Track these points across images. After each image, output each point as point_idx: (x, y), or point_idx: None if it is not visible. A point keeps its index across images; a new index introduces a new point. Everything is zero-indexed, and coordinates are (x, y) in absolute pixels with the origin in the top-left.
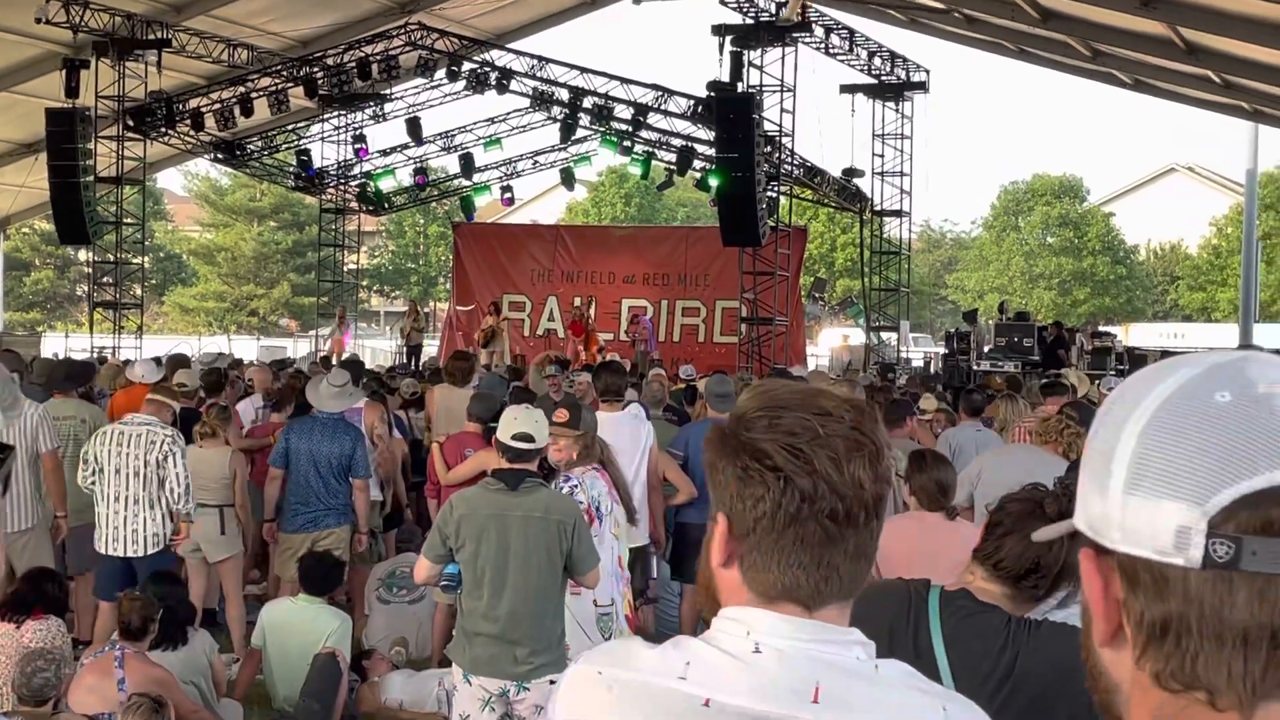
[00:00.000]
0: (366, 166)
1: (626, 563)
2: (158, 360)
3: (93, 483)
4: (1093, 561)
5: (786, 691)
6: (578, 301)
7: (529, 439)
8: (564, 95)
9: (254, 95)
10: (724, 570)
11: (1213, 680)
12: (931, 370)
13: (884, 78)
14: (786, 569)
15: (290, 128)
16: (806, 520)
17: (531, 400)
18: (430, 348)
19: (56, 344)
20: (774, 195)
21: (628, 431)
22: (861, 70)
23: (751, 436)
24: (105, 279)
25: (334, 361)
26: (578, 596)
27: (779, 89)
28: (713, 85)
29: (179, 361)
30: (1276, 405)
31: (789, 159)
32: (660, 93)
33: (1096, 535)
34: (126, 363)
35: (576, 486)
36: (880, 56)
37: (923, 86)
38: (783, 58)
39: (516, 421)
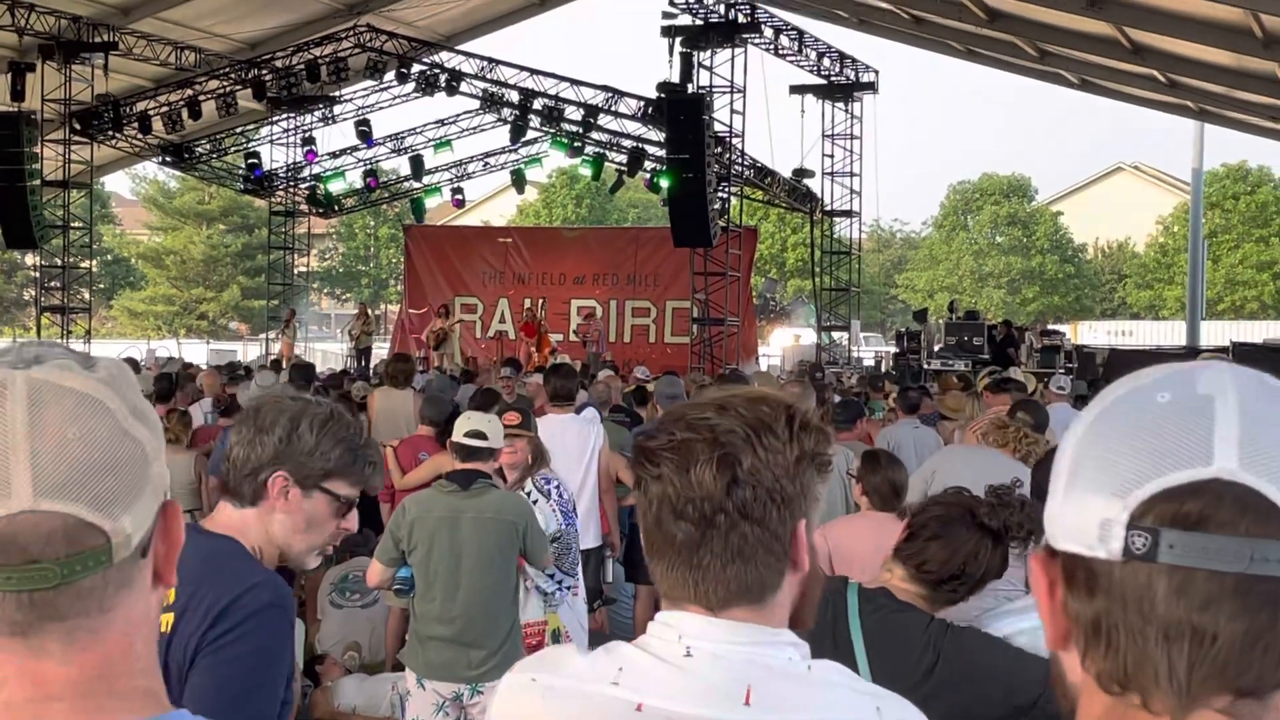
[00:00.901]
0: (316, 169)
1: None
2: None
3: None
4: (1041, 563)
5: (718, 694)
6: (528, 303)
7: (481, 436)
8: (514, 97)
9: (202, 98)
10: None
11: (1143, 681)
12: (883, 369)
13: (833, 78)
14: (666, 571)
15: (239, 130)
16: (667, 523)
17: (496, 401)
18: (381, 350)
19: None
20: (725, 196)
21: (575, 433)
22: (811, 71)
23: (636, 446)
24: (53, 283)
25: (284, 365)
26: (577, 595)
27: (729, 90)
28: (663, 86)
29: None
30: (1212, 406)
31: (739, 160)
32: (610, 94)
33: (1048, 536)
34: None
35: (558, 485)
36: (829, 57)
37: (872, 87)
38: (732, 59)
39: (470, 421)
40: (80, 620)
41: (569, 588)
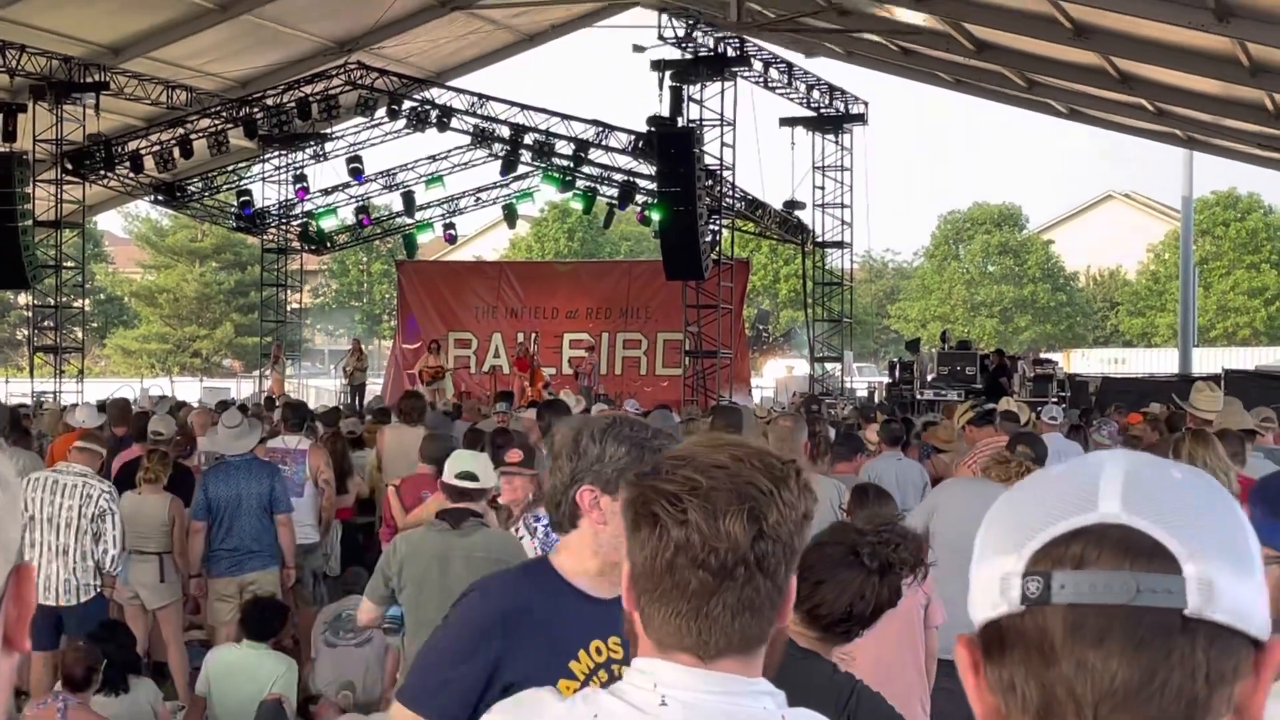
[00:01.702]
0: (308, 206)
1: None
2: (100, 405)
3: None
4: (965, 646)
5: None
6: (521, 338)
7: (472, 478)
8: (505, 132)
9: (193, 136)
10: (633, 614)
11: None
12: (876, 400)
13: (823, 110)
14: (669, 618)
15: (230, 168)
16: (682, 569)
17: (480, 439)
18: (374, 386)
19: None
20: (716, 228)
21: None
22: (800, 103)
23: (641, 486)
24: (46, 323)
25: (277, 402)
26: None
27: (719, 123)
28: (653, 120)
29: (121, 406)
30: (1100, 468)
31: (730, 192)
32: (601, 128)
33: (972, 622)
34: (64, 409)
35: (548, 525)
36: (819, 89)
37: (861, 118)
38: (722, 92)
39: (460, 461)
40: None
41: None
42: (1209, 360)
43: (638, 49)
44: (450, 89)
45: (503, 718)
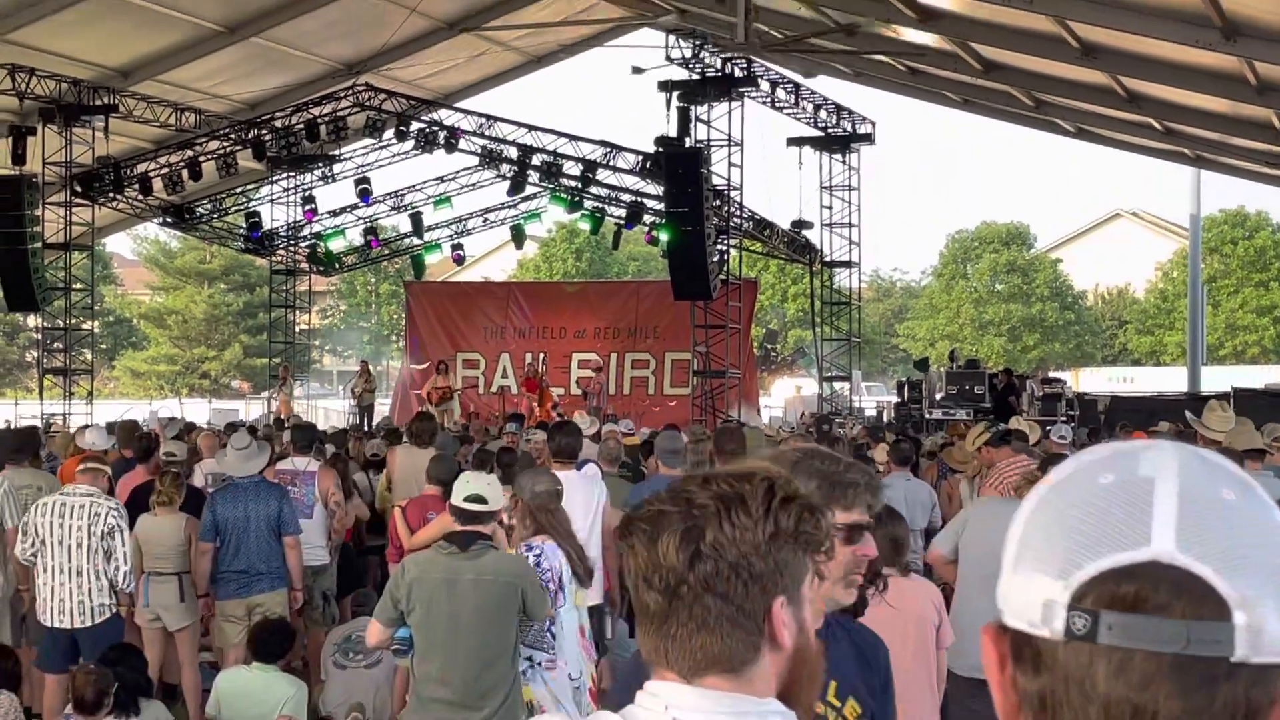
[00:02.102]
0: (316, 227)
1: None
2: (109, 427)
3: (34, 554)
4: (991, 637)
5: None
6: (529, 358)
7: (480, 500)
8: (513, 153)
9: (202, 158)
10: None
11: None
12: (884, 419)
13: (830, 130)
14: (645, 635)
15: (239, 190)
16: (642, 593)
17: (489, 460)
18: (383, 407)
19: (6, 411)
20: (724, 248)
21: (580, 491)
22: (808, 123)
23: (626, 518)
24: (55, 345)
25: (287, 424)
26: (553, 670)
27: (726, 143)
28: (661, 141)
29: (130, 428)
30: (1153, 488)
31: (738, 212)
32: (608, 149)
33: (999, 612)
34: (76, 431)
35: (540, 555)
36: (826, 109)
37: (869, 138)
38: (729, 112)
39: (469, 484)
40: None
41: (539, 663)
42: (1218, 379)
43: (637, 71)
44: (458, 110)
45: None
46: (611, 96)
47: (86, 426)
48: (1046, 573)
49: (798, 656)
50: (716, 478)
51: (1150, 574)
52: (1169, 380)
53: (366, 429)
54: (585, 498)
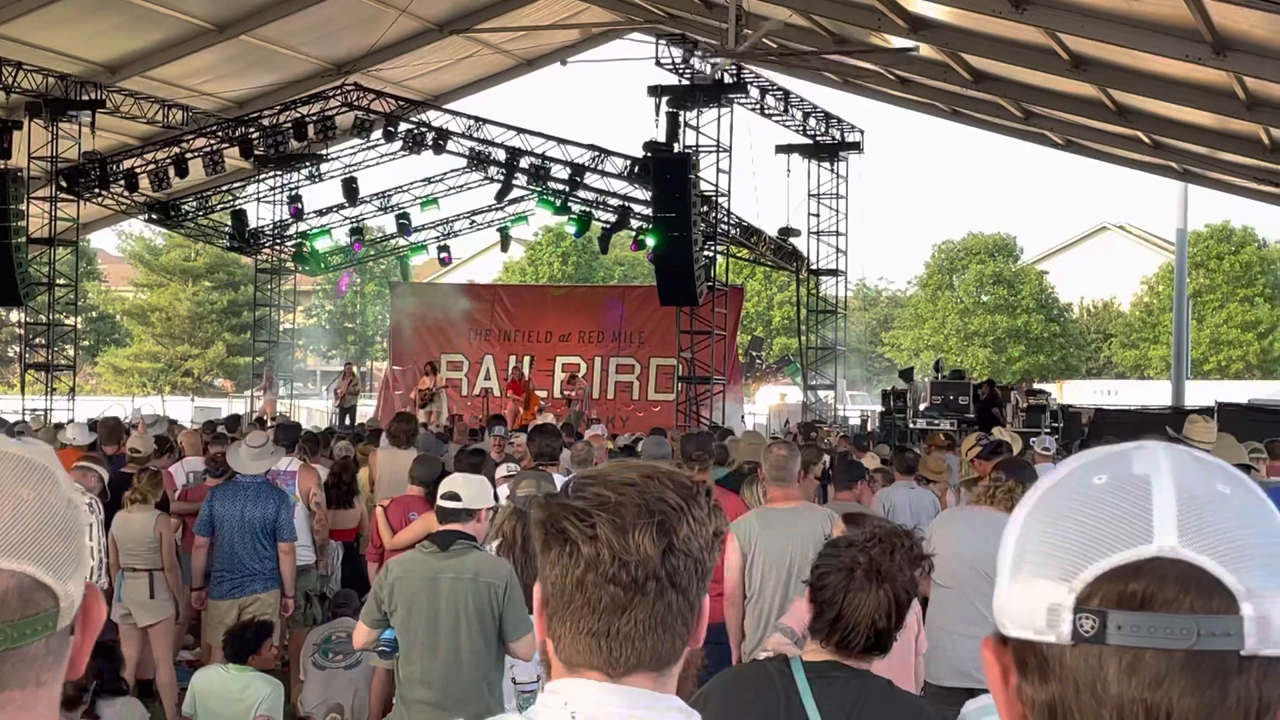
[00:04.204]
0: (303, 226)
1: None
2: (92, 423)
3: None
4: (993, 650)
5: None
6: (514, 361)
7: (455, 498)
8: (500, 155)
9: (189, 156)
10: (545, 640)
11: None
12: (868, 428)
13: (819, 138)
14: (579, 635)
15: (225, 188)
16: (592, 586)
17: (482, 461)
18: (366, 408)
19: None
20: (711, 255)
21: None
22: (797, 131)
23: (550, 505)
24: (38, 340)
25: (270, 423)
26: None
27: (715, 149)
28: (649, 146)
29: (112, 424)
30: (1149, 484)
31: (725, 219)
32: (597, 153)
33: (998, 624)
34: (58, 426)
35: None
36: (815, 117)
37: (857, 147)
38: (718, 118)
39: (448, 484)
40: (14, 693)
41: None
42: (1202, 393)
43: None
44: (447, 112)
45: None
46: (601, 101)
47: (70, 422)
48: (1048, 577)
49: (695, 655)
50: (655, 474)
51: (1156, 570)
52: (1153, 394)
53: (350, 430)
54: None
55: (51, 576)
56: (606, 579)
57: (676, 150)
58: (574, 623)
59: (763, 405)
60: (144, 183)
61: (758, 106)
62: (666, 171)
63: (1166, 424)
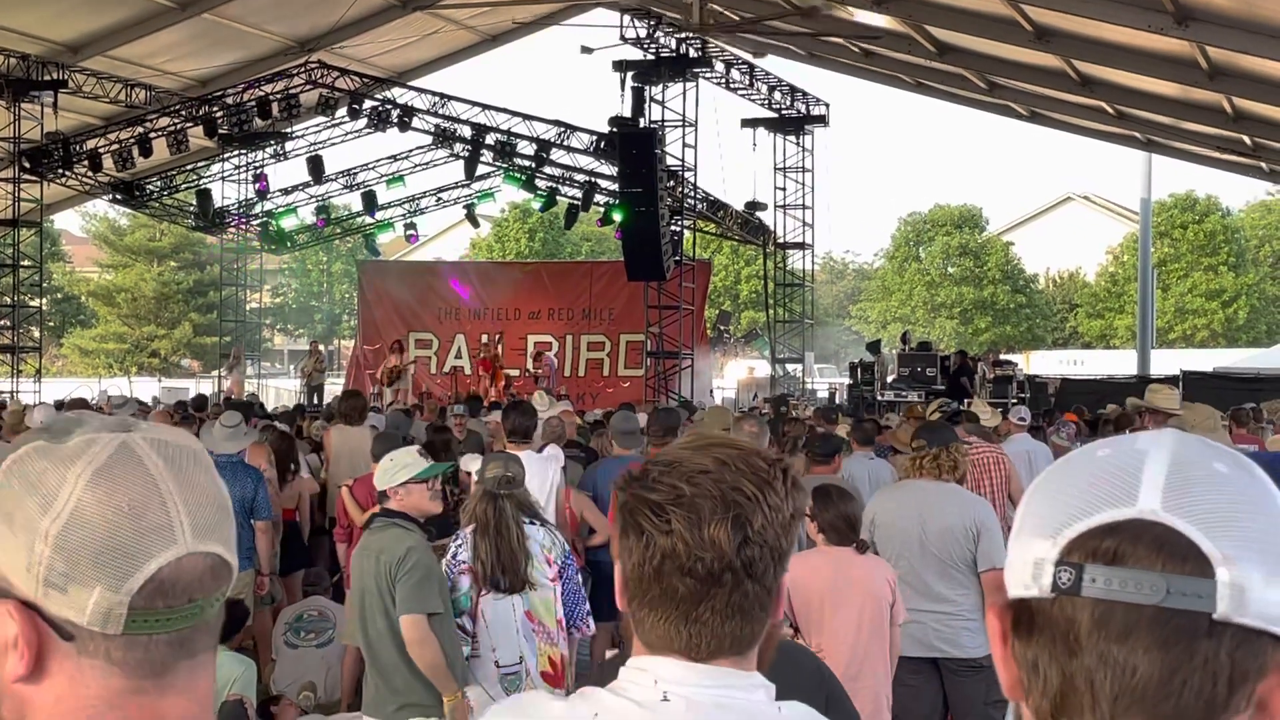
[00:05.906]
0: (268, 205)
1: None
2: (59, 405)
3: None
4: (996, 614)
5: None
6: (485, 339)
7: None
8: (466, 132)
9: (152, 135)
10: (627, 617)
11: (1071, 713)
12: (836, 400)
13: (784, 111)
14: (658, 622)
15: (190, 167)
16: (669, 576)
17: (449, 439)
18: (334, 387)
19: None
20: (678, 229)
21: (534, 472)
22: (762, 104)
23: (629, 493)
24: (2, 322)
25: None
26: (477, 659)
27: (681, 124)
28: (614, 121)
29: (79, 406)
30: (1146, 456)
31: (692, 193)
32: (562, 129)
33: (1007, 588)
34: (25, 408)
35: (461, 545)
36: (780, 90)
37: (822, 120)
38: (684, 93)
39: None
40: (203, 656)
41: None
42: (1167, 362)
43: (586, 50)
44: (412, 89)
45: (503, 718)
46: (566, 76)
47: (37, 404)
48: (1039, 535)
49: (775, 628)
50: (730, 459)
51: (1132, 529)
52: (1119, 363)
53: (317, 408)
54: (539, 478)
55: (230, 555)
56: (683, 571)
57: (642, 125)
58: (653, 610)
59: (731, 379)
60: (108, 163)
61: (723, 80)
62: (632, 147)
63: (1130, 394)
